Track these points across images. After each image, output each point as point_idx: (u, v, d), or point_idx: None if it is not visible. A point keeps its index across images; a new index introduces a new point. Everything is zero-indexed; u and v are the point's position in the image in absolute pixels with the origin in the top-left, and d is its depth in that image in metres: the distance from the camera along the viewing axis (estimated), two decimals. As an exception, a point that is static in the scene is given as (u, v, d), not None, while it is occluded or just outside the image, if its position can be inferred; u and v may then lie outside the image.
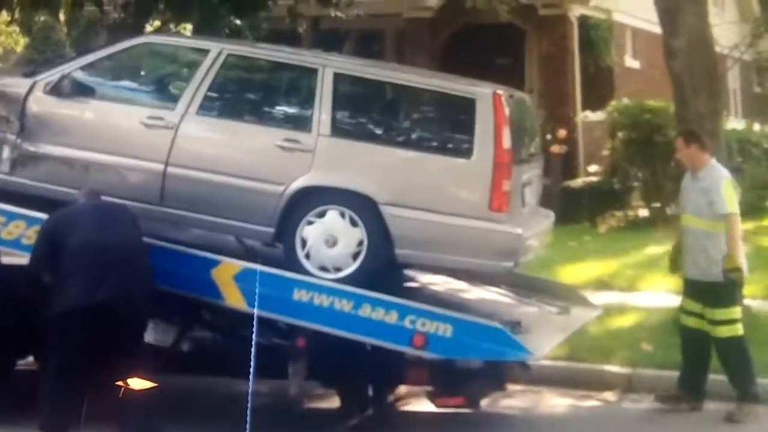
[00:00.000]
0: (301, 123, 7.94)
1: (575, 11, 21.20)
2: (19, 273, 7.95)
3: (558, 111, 20.39)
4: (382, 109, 8.33)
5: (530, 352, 7.52)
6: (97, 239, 7.40)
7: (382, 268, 7.76)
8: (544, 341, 7.88)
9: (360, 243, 7.61)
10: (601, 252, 14.56)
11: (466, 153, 7.64)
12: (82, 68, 8.38)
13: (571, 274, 12.94)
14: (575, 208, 17.72)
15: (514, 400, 9.18)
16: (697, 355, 8.87)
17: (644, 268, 14.04)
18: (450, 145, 7.90)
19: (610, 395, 9.39)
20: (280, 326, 7.97)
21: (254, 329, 6.99)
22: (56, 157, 8.18)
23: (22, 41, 22.77)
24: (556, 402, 9.35)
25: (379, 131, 8.05)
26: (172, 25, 14.23)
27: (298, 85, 8.27)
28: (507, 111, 7.67)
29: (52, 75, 8.34)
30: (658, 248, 15.15)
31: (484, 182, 7.55)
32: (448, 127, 8.15)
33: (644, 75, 22.20)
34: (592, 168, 19.60)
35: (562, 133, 19.77)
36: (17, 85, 8.41)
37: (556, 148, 19.54)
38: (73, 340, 7.31)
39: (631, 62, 23.04)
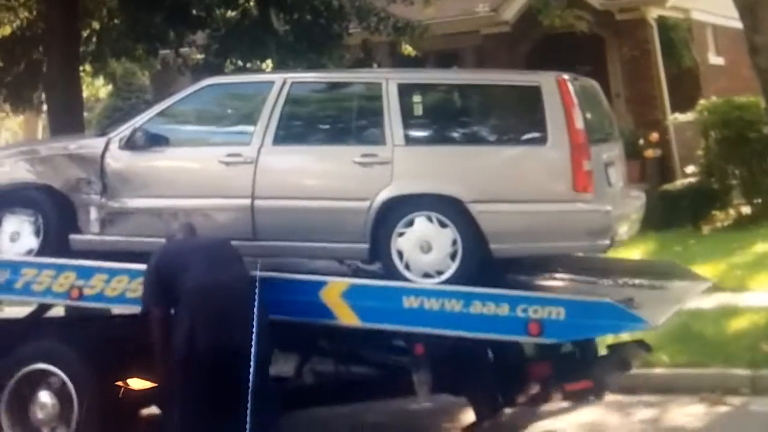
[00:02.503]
0: (374, 137, 7.97)
1: (653, 13, 20.84)
2: (134, 322, 7.94)
3: (647, 115, 20.04)
4: (451, 111, 8.34)
5: (646, 321, 7.35)
6: (213, 281, 7.35)
7: (483, 267, 7.67)
8: (659, 312, 7.70)
9: (454, 242, 7.59)
10: (707, 254, 14.11)
11: (541, 140, 7.62)
12: (152, 118, 8.46)
13: (679, 279, 12.59)
14: (676, 212, 17.29)
15: (639, 409, 9.00)
16: None
17: (753, 267, 13.59)
18: (524, 135, 7.87)
19: (736, 399, 9.07)
20: (397, 344, 7.98)
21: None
22: (142, 209, 8.27)
23: (105, 89, 23.01)
24: (681, 409, 9.04)
25: (451, 133, 8.07)
26: (251, 64, 14.23)
27: (365, 101, 8.31)
28: (573, 93, 7.66)
29: (124, 130, 8.44)
30: (766, 245, 14.83)
31: (564, 165, 7.51)
32: (518, 118, 8.10)
33: (730, 71, 21.75)
34: (689, 169, 19.12)
35: (654, 136, 19.40)
36: (92, 145, 8.55)
37: (650, 152, 19.23)
38: (199, 386, 7.23)
39: (715, 59, 22.58)
